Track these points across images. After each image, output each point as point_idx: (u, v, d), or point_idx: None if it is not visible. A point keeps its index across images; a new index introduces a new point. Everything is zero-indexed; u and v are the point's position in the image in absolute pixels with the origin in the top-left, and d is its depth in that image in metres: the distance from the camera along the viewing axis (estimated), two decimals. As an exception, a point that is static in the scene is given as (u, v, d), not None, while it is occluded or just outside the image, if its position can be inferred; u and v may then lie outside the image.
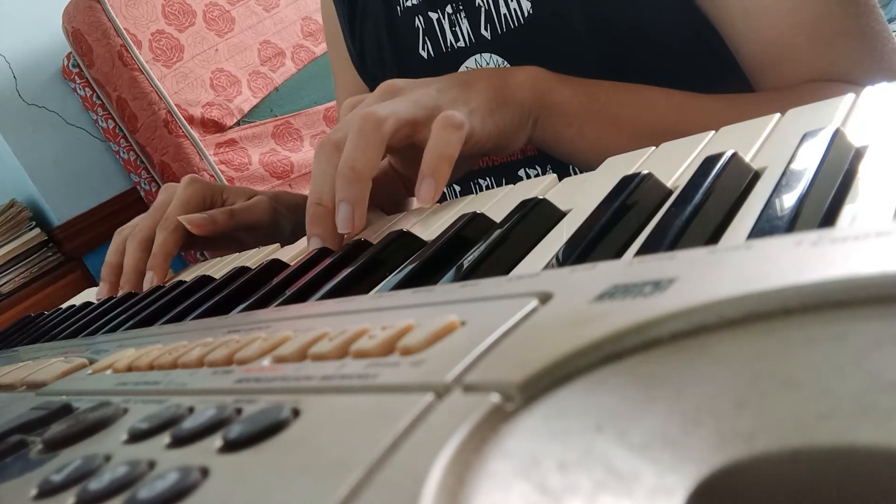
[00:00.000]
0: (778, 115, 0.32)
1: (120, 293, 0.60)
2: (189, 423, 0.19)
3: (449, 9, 0.63)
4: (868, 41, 0.48)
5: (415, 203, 0.76)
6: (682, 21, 0.54)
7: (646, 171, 0.30)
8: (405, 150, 0.45)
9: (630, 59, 0.56)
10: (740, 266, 0.16)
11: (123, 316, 0.49)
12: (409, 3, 0.67)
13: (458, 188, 0.72)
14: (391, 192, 0.52)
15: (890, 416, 0.11)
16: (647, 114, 0.49)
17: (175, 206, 0.61)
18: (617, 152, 0.36)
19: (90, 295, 0.71)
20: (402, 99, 0.44)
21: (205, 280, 0.51)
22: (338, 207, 0.41)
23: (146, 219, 0.63)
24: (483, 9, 0.61)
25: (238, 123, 1.77)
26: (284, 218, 0.66)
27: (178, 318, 0.43)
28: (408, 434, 0.14)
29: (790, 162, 0.25)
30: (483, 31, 0.62)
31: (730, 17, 0.51)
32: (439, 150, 0.41)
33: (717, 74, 0.55)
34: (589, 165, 0.40)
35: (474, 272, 0.29)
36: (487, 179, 0.69)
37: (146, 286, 0.58)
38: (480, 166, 0.68)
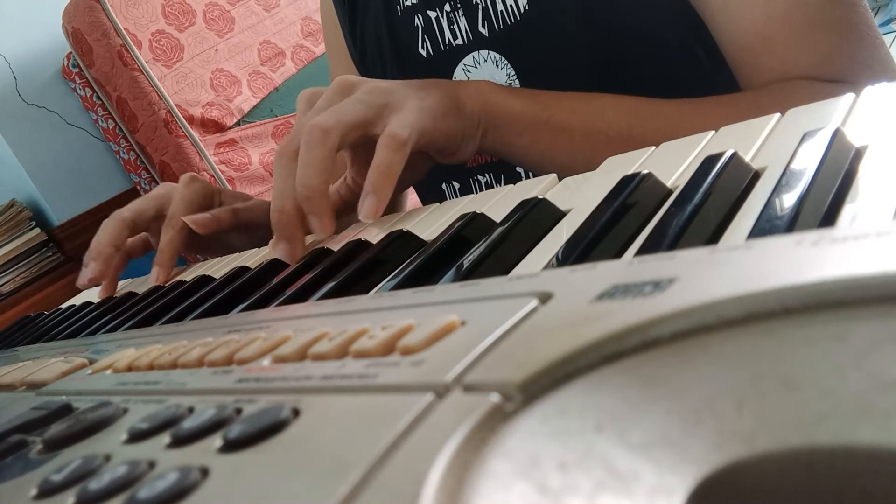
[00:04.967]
0: (778, 115, 0.32)
1: (89, 274, 0.60)
2: (189, 423, 0.19)
3: (447, 7, 0.64)
4: (843, 35, 0.47)
5: (407, 206, 0.76)
6: (676, 18, 0.54)
7: (646, 171, 0.30)
8: (361, 160, 0.47)
9: (625, 56, 0.56)
10: (740, 266, 0.16)
11: (123, 316, 0.49)
12: (408, 3, 0.67)
13: (457, 185, 0.72)
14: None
15: (890, 416, 0.11)
16: (597, 119, 0.50)
17: (178, 204, 0.61)
18: (570, 159, 0.37)
19: (90, 295, 0.71)
20: (350, 100, 0.46)
21: (205, 280, 0.51)
22: (309, 220, 0.44)
23: (139, 203, 0.63)
24: (480, 6, 0.61)
25: (238, 123, 1.77)
26: None
27: (178, 318, 0.43)
28: (408, 434, 0.14)
29: (790, 162, 0.25)
30: (481, 29, 0.62)
31: (710, 10, 0.51)
32: (381, 169, 0.43)
33: (712, 72, 0.55)
34: (542, 172, 0.41)
35: (474, 272, 0.29)
36: (486, 176, 0.69)
37: (152, 280, 0.59)
38: (479, 163, 0.68)
